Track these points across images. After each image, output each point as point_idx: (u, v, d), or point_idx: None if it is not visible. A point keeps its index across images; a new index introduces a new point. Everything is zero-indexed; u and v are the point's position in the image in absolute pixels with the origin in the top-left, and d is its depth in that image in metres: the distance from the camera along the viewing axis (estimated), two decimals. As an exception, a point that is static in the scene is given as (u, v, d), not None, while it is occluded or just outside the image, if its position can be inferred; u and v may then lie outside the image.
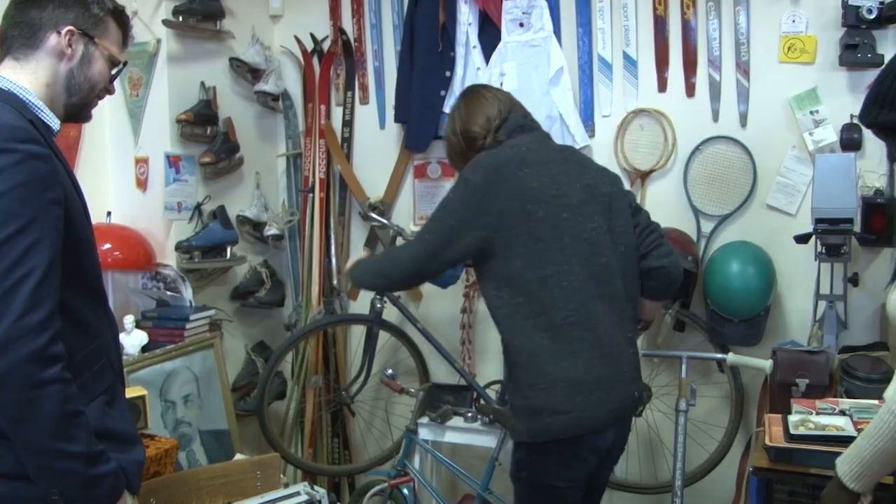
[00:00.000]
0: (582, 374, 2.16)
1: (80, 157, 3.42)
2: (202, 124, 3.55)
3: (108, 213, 3.46)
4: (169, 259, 3.47)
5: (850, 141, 3.01)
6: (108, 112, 3.54)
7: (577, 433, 2.18)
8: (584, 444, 2.21)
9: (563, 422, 2.16)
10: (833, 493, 1.85)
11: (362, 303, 3.83)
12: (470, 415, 3.36)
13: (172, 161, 3.44)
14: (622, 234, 2.32)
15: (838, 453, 2.48)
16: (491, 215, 2.21)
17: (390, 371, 3.32)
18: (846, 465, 1.77)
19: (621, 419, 2.30)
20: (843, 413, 2.64)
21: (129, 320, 3.16)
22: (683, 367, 2.81)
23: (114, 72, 1.79)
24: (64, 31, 1.68)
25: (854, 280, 2.97)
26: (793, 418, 2.64)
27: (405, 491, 3.27)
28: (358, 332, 3.84)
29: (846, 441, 2.50)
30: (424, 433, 3.35)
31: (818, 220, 2.84)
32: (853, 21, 2.95)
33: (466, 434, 3.35)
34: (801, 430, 2.57)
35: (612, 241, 2.29)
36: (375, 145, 3.89)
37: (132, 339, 3.15)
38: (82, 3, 1.72)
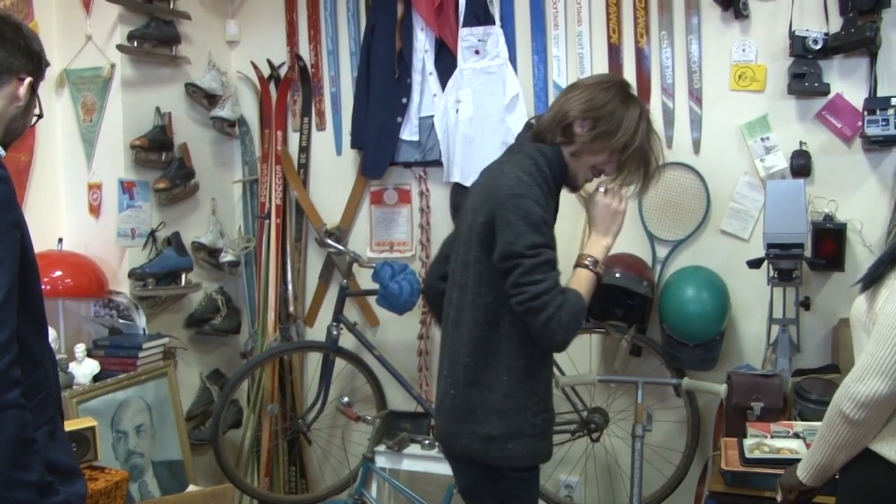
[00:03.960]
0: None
1: (32, 183, 3.37)
2: (157, 150, 3.52)
3: (60, 240, 3.40)
4: (122, 286, 3.42)
5: (799, 167, 3.06)
6: (60, 137, 3.50)
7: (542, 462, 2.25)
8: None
9: (547, 448, 2.23)
10: (790, 472, 1.93)
11: (319, 330, 3.81)
12: (427, 442, 3.34)
13: (126, 187, 3.40)
14: (473, 273, 2.17)
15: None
16: None
17: (346, 399, 3.29)
18: (802, 463, 1.87)
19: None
20: (796, 436, 2.66)
21: (80, 349, 3.10)
22: (639, 392, 2.82)
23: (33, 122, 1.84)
24: (26, 81, 1.73)
25: (806, 304, 3.01)
26: (748, 442, 2.66)
27: (363, 521, 3.24)
28: (314, 360, 3.80)
29: (799, 464, 2.53)
30: (381, 461, 3.32)
31: (770, 245, 2.88)
32: (800, 51, 3.01)
33: (424, 461, 3.32)
34: (757, 454, 2.58)
35: (462, 277, 2.21)
36: (332, 171, 3.88)
37: (83, 369, 3.09)
38: (39, 58, 1.78)
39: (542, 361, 2.19)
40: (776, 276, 2.92)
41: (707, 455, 3.16)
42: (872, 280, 1.73)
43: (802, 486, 1.87)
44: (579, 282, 2.15)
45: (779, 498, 1.98)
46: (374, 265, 3.35)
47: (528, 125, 2.29)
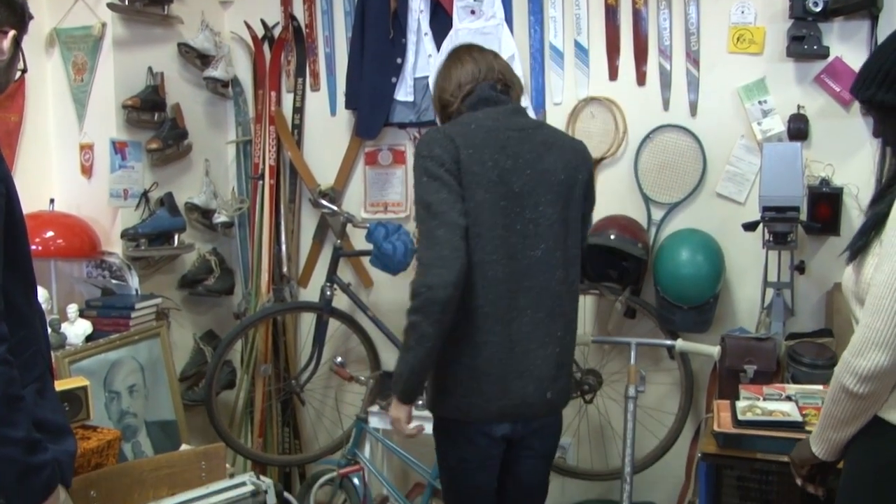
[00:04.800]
0: (482, 364, 2.16)
1: (22, 143, 3.33)
2: (149, 110, 3.48)
3: (52, 201, 3.38)
4: (114, 247, 3.40)
5: (797, 130, 3.04)
6: (51, 97, 3.46)
7: (466, 419, 2.23)
8: (477, 429, 2.24)
9: (455, 403, 2.23)
10: (801, 446, 1.91)
11: (312, 291, 3.80)
12: (420, 403, 3.33)
13: (118, 147, 3.36)
14: (573, 226, 2.24)
15: (785, 438, 2.53)
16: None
17: (340, 359, 3.30)
18: (813, 436, 1.83)
19: (520, 417, 2.24)
20: (789, 399, 2.67)
21: (72, 309, 3.09)
22: (633, 353, 2.82)
23: (17, 77, 1.80)
24: (10, 34, 1.68)
25: (801, 268, 3.01)
26: (740, 404, 2.67)
27: (355, 480, 3.25)
28: (308, 321, 3.80)
29: (792, 426, 2.55)
30: (375, 421, 3.33)
31: (766, 209, 2.87)
32: (800, 13, 2.98)
33: (417, 422, 3.32)
34: (749, 416, 2.59)
35: (562, 233, 2.21)
36: (326, 132, 3.85)
37: (76, 329, 3.08)
38: (23, 12, 1.73)
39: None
40: (771, 239, 2.91)
41: (700, 417, 3.18)
42: (857, 250, 1.71)
43: (816, 460, 1.83)
44: None
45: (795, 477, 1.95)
46: (367, 226, 3.33)
47: (505, 91, 2.31)
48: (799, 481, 1.92)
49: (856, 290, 1.70)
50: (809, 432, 2.49)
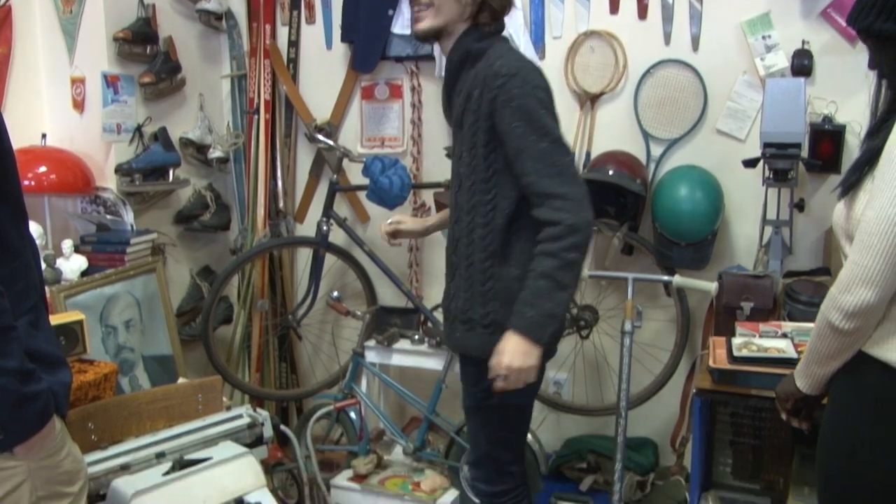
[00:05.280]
0: None
1: (12, 76, 3.27)
2: (141, 43, 3.41)
3: (43, 136, 3.33)
4: (108, 182, 3.37)
5: (800, 67, 2.98)
6: (39, 29, 3.38)
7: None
8: None
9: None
10: (786, 381, 1.92)
11: (309, 226, 3.78)
12: (417, 337, 3.35)
13: (110, 81, 3.30)
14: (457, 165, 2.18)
15: (780, 375, 2.52)
16: None
17: (336, 293, 3.30)
18: (798, 368, 1.84)
19: None
20: (784, 336, 2.68)
21: (67, 245, 3.08)
22: (630, 288, 2.81)
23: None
24: None
25: (800, 206, 2.99)
26: (736, 341, 2.67)
27: (352, 414, 3.28)
28: (304, 256, 3.79)
29: (787, 363, 2.55)
30: (371, 356, 3.35)
31: (766, 145, 2.83)
32: (807, -57, 2.91)
33: (413, 357, 3.35)
34: (745, 353, 2.60)
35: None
36: (322, 66, 3.78)
37: (71, 264, 3.07)
38: None
39: None
40: (771, 176, 2.88)
41: (695, 354, 3.19)
42: (850, 185, 1.68)
43: (800, 395, 1.85)
44: None
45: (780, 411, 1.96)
46: (364, 160, 3.30)
47: None
48: (784, 416, 1.93)
49: (846, 227, 1.68)
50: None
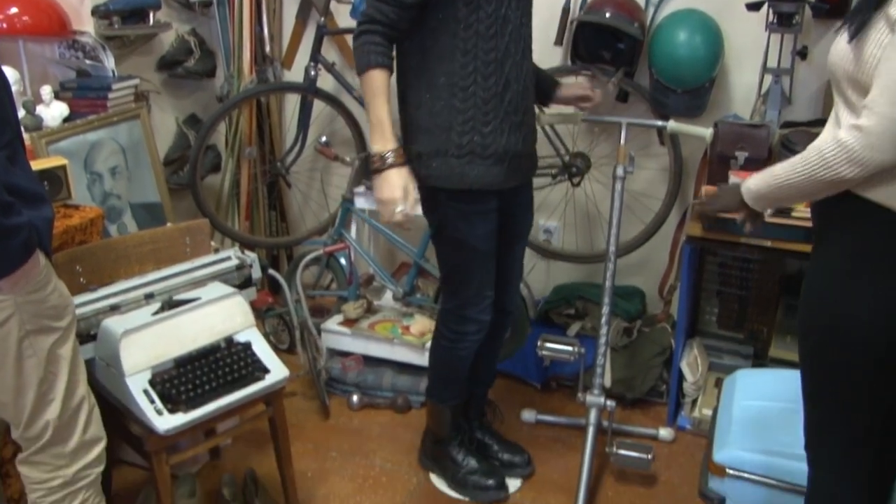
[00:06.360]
0: None
1: None
2: None
3: (13, -26, 3.18)
4: (86, 26, 3.23)
5: None
6: None
7: None
8: None
9: None
10: (729, 191, 1.87)
11: (296, 72, 3.69)
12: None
13: (83, -87, 3.13)
14: None
15: (770, 224, 2.54)
16: None
17: (324, 138, 3.26)
18: (753, 179, 1.76)
19: None
20: (778, 184, 2.65)
21: (46, 91, 2.99)
22: (623, 133, 2.76)
23: None
24: None
25: (803, 53, 2.90)
26: (729, 188, 2.65)
27: (342, 259, 3.29)
28: (292, 103, 3.71)
29: (779, 212, 2.54)
30: (361, 202, 3.33)
31: (772, -14, 2.73)
32: None
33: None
34: (737, 200, 2.58)
35: None
36: None
37: (52, 111, 2.99)
38: None
39: (469, 80, 2.19)
40: (775, 20, 2.79)
41: (687, 203, 3.18)
42: (860, 25, 1.58)
43: (743, 209, 1.82)
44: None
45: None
46: (352, 1, 3.18)
47: None
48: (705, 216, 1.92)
49: (853, 71, 1.58)
50: (797, 217, 2.52)
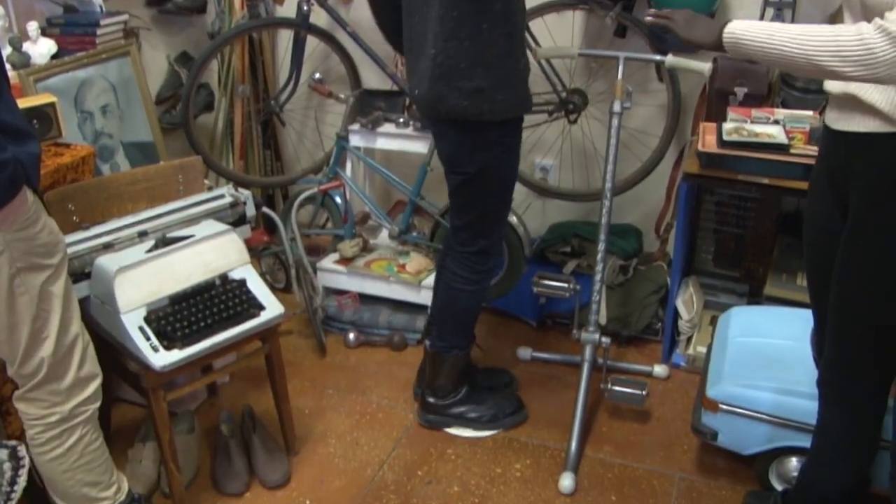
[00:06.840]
0: None
1: None
2: None
3: None
4: (73, -43, 3.17)
5: None
6: None
7: None
8: None
9: None
10: (707, 24, 1.75)
11: (289, 7, 3.61)
12: (402, 121, 3.29)
13: None
14: None
15: (767, 160, 2.52)
16: None
17: (318, 75, 3.21)
18: (743, 24, 1.63)
19: None
20: (776, 122, 2.64)
21: (32, 27, 2.93)
22: (620, 68, 2.72)
23: None
24: None
25: (806, -18, 2.85)
26: (727, 125, 2.64)
27: (337, 198, 3.27)
28: (285, 39, 3.65)
29: (777, 148, 2.53)
30: (355, 140, 3.30)
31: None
32: None
33: (398, 140, 3.30)
34: (734, 137, 2.57)
35: None
36: None
37: (39, 48, 2.93)
38: None
39: (517, 4, 2.18)
40: (776, -49, 2.73)
41: (684, 141, 3.15)
42: None
43: (712, 47, 1.69)
44: None
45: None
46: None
47: None
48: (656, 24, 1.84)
49: None
50: (795, 154, 2.50)
